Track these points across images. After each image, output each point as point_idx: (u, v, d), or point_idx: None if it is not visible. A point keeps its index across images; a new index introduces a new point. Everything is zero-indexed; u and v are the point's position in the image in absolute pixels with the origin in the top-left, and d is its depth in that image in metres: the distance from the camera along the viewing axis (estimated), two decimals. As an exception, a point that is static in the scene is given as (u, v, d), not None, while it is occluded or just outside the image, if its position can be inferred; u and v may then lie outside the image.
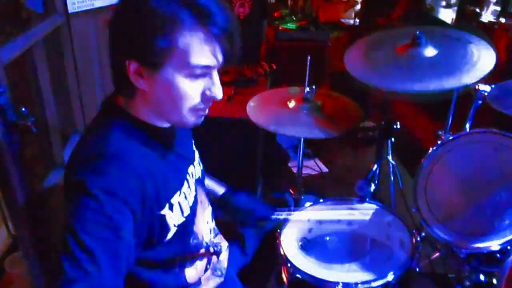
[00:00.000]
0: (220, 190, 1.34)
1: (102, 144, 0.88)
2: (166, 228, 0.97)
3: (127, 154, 0.88)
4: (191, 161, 1.13)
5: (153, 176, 0.91)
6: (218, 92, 0.92)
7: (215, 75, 0.91)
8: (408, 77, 1.47)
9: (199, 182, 1.15)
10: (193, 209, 1.07)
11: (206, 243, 1.15)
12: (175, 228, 0.99)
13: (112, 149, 0.87)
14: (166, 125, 1.00)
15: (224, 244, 1.26)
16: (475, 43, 1.54)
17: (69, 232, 0.78)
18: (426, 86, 1.41)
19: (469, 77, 1.40)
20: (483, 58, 1.46)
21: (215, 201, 1.31)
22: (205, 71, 0.88)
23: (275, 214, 1.25)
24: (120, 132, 0.91)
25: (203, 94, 0.91)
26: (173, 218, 0.98)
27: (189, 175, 1.08)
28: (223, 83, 0.93)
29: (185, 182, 1.05)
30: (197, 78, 0.88)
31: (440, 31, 1.67)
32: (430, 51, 1.54)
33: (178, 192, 1.01)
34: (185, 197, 1.03)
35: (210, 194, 1.27)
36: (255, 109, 1.71)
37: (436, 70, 1.46)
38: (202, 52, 0.85)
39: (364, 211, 1.41)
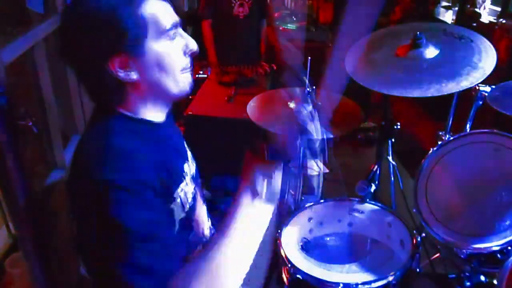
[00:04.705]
0: None
1: (109, 143, 0.87)
2: (173, 223, 0.98)
3: (134, 150, 0.89)
4: (186, 158, 1.14)
5: (158, 171, 0.92)
6: (193, 44, 0.97)
7: (182, 31, 0.96)
8: (408, 82, 1.46)
9: (194, 179, 1.16)
10: (192, 205, 1.08)
11: (204, 240, 1.16)
12: (177, 224, 1.00)
13: (120, 146, 0.88)
14: (161, 119, 1.01)
15: None
16: (476, 42, 1.53)
17: (119, 235, 0.77)
18: (426, 92, 1.40)
19: (471, 79, 1.40)
20: (484, 59, 1.46)
21: None
22: (175, 30, 0.93)
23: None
24: (121, 132, 0.91)
25: (183, 52, 0.96)
26: (177, 212, 0.99)
27: (185, 172, 1.09)
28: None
29: (183, 179, 1.06)
30: (172, 39, 0.92)
31: (442, 28, 1.65)
32: (431, 52, 1.53)
33: (179, 188, 1.02)
34: (185, 193, 1.04)
35: None
36: (256, 110, 1.71)
37: (436, 73, 1.45)
38: (164, 13, 0.90)
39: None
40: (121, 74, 0.88)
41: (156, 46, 0.89)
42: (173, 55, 0.92)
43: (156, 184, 0.87)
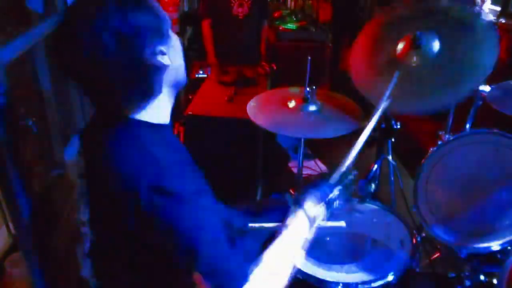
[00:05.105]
0: None
1: (152, 153, 0.89)
2: None
3: (173, 157, 0.94)
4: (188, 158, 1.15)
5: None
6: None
7: None
8: (409, 92, 1.45)
9: None
10: None
11: None
12: None
13: (163, 154, 0.90)
14: (168, 121, 1.03)
15: None
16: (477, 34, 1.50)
17: (211, 239, 0.88)
18: (428, 104, 1.40)
19: (472, 81, 1.39)
20: (484, 58, 1.45)
21: None
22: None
23: (249, 224, 1.26)
24: (151, 138, 0.93)
25: None
26: None
27: None
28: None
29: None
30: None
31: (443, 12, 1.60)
32: (431, 52, 1.51)
33: None
34: None
35: None
36: (256, 110, 1.71)
37: (437, 77, 1.44)
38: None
39: None
40: (159, 60, 0.92)
41: (172, 35, 0.98)
42: (179, 43, 1.01)
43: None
